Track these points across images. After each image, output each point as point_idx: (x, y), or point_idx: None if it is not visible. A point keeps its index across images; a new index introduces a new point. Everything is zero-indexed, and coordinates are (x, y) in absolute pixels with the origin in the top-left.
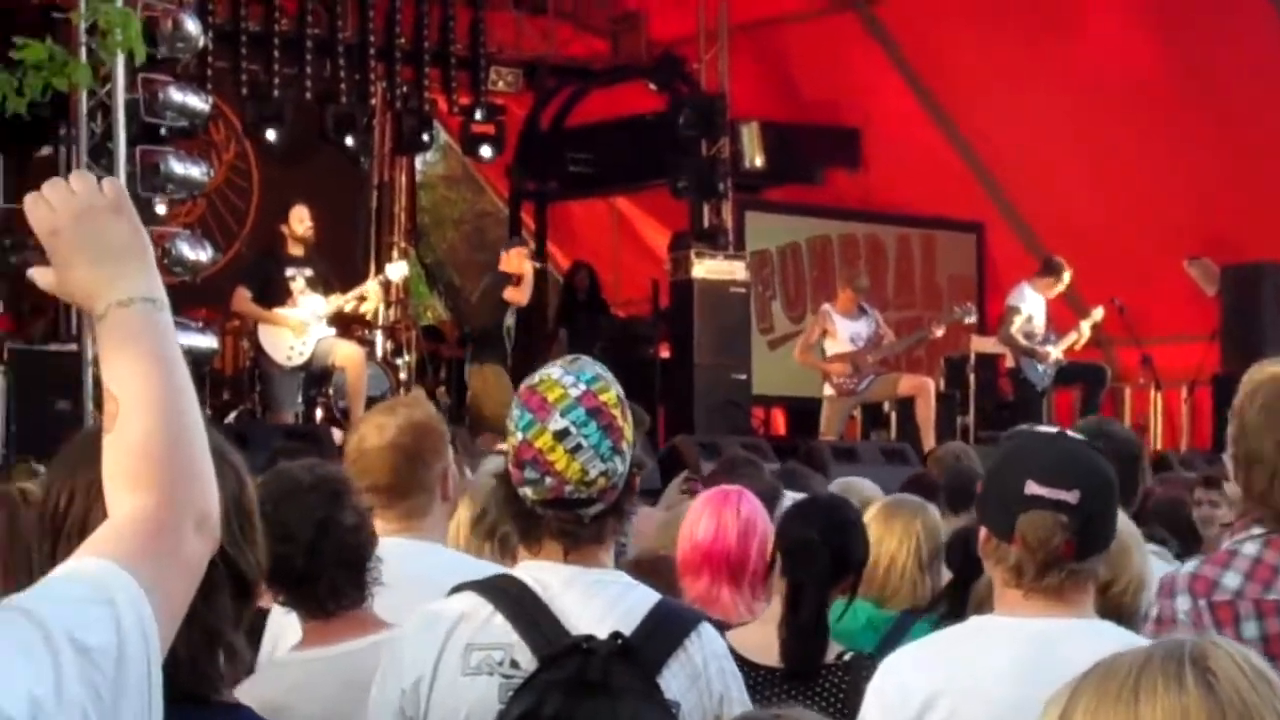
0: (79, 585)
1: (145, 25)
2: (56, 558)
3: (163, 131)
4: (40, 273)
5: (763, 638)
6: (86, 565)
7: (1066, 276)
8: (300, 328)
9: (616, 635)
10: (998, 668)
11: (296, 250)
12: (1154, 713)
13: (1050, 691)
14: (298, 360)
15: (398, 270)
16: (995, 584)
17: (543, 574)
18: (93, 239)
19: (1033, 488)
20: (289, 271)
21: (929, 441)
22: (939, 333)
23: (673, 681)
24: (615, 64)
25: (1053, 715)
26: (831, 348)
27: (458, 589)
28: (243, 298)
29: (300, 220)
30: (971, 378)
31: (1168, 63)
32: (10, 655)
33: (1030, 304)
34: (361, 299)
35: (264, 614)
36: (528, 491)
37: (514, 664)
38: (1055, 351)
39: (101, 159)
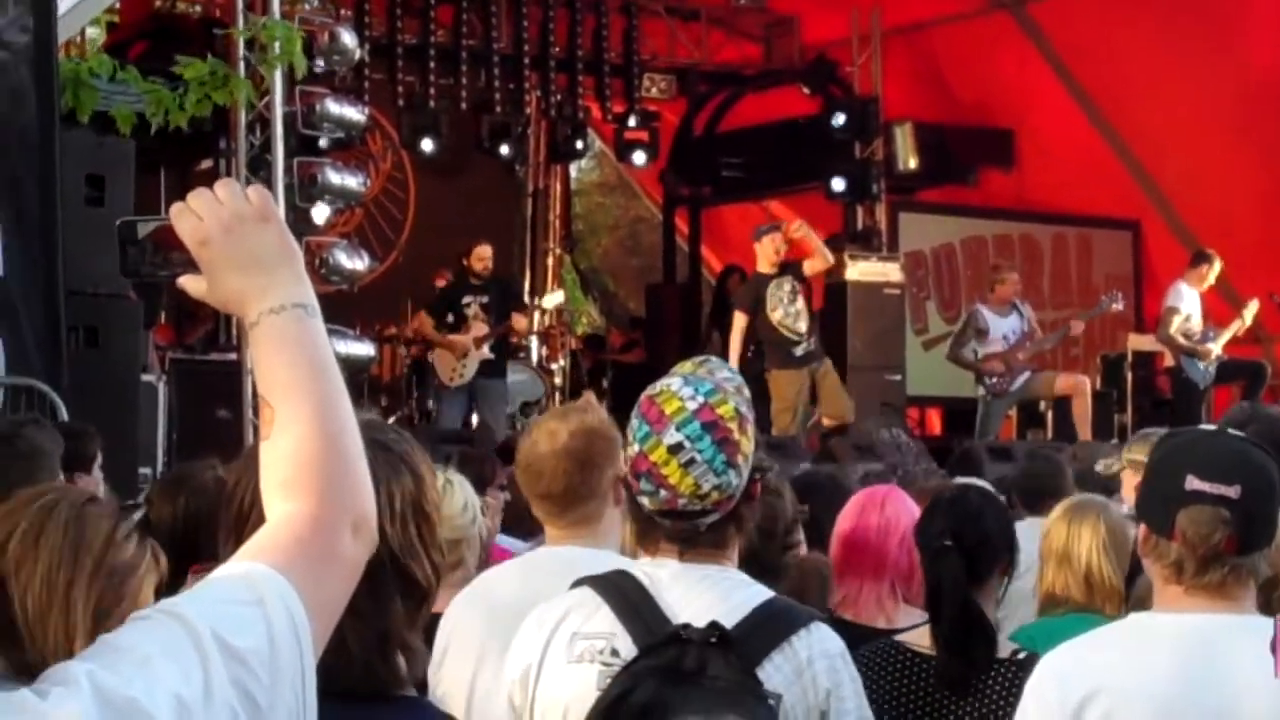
0: (228, 588)
1: (303, 39)
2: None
3: (320, 143)
4: (191, 281)
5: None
6: (237, 569)
7: (1217, 265)
8: (460, 351)
9: (714, 625)
10: (1157, 665)
11: (477, 281)
12: None
13: (1210, 690)
14: (459, 380)
15: (553, 300)
16: (1155, 581)
17: (653, 569)
18: (242, 248)
19: (1193, 483)
20: (465, 299)
21: (1085, 439)
22: (1078, 329)
23: (775, 675)
24: (768, 69)
25: None
26: (984, 348)
27: (577, 583)
28: (424, 322)
29: (480, 259)
30: (1129, 376)
31: None
32: (156, 657)
33: (1188, 302)
34: (513, 330)
35: (435, 617)
36: (644, 501)
37: (614, 652)
38: (1216, 348)
39: (260, 171)
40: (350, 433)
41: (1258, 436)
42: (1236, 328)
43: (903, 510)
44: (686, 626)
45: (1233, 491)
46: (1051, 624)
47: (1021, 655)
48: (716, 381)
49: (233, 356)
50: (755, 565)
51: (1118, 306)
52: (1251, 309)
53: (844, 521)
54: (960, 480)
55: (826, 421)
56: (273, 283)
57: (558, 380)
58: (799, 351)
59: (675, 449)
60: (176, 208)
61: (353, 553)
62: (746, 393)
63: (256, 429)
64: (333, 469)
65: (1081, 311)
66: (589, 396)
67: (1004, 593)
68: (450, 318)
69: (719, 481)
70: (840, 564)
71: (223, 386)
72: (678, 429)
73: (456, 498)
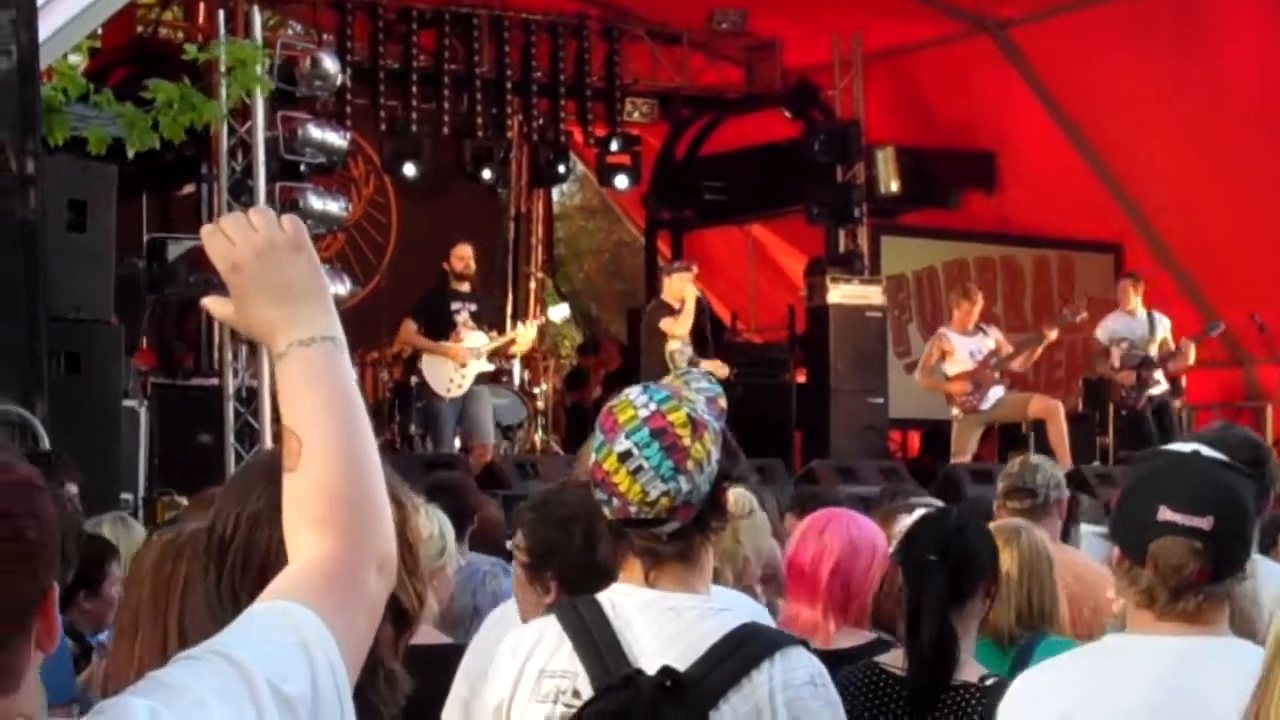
0: (274, 629)
1: (284, 64)
2: (221, 586)
3: (302, 168)
4: (217, 303)
5: None
6: (282, 609)
7: (1139, 285)
8: (461, 360)
9: (666, 670)
10: (1132, 687)
11: (461, 286)
12: None
13: (1181, 711)
14: (456, 392)
15: (559, 312)
16: (1129, 604)
17: (622, 598)
18: (273, 276)
19: (1165, 513)
20: (454, 306)
21: (1064, 462)
22: (1052, 335)
23: (730, 716)
24: (750, 92)
25: None
26: (951, 368)
27: (549, 609)
28: (409, 329)
29: (461, 258)
30: (1110, 398)
31: None
32: (210, 701)
33: (1111, 330)
34: (515, 341)
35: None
36: (605, 512)
37: (575, 694)
38: (1160, 377)
39: (242, 196)
40: (376, 470)
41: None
42: (1178, 359)
43: (839, 537)
44: (639, 672)
45: (1205, 523)
46: None
47: (989, 681)
48: (676, 389)
49: (214, 381)
50: None
51: (1081, 318)
52: (1201, 338)
53: (789, 548)
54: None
55: None
56: (301, 314)
57: (540, 404)
58: None
59: (624, 456)
60: (208, 229)
61: (377, 592)
62: (722, 403)
63: (238, 453)
64: (361, 507)
65: (1072, 338)
66: None
67: (987, 615)
68: (435, 327)
69: (666, 488)
70: (787, 588)
71: (204, 412)
72: (627, 436)
73: (423, 527)
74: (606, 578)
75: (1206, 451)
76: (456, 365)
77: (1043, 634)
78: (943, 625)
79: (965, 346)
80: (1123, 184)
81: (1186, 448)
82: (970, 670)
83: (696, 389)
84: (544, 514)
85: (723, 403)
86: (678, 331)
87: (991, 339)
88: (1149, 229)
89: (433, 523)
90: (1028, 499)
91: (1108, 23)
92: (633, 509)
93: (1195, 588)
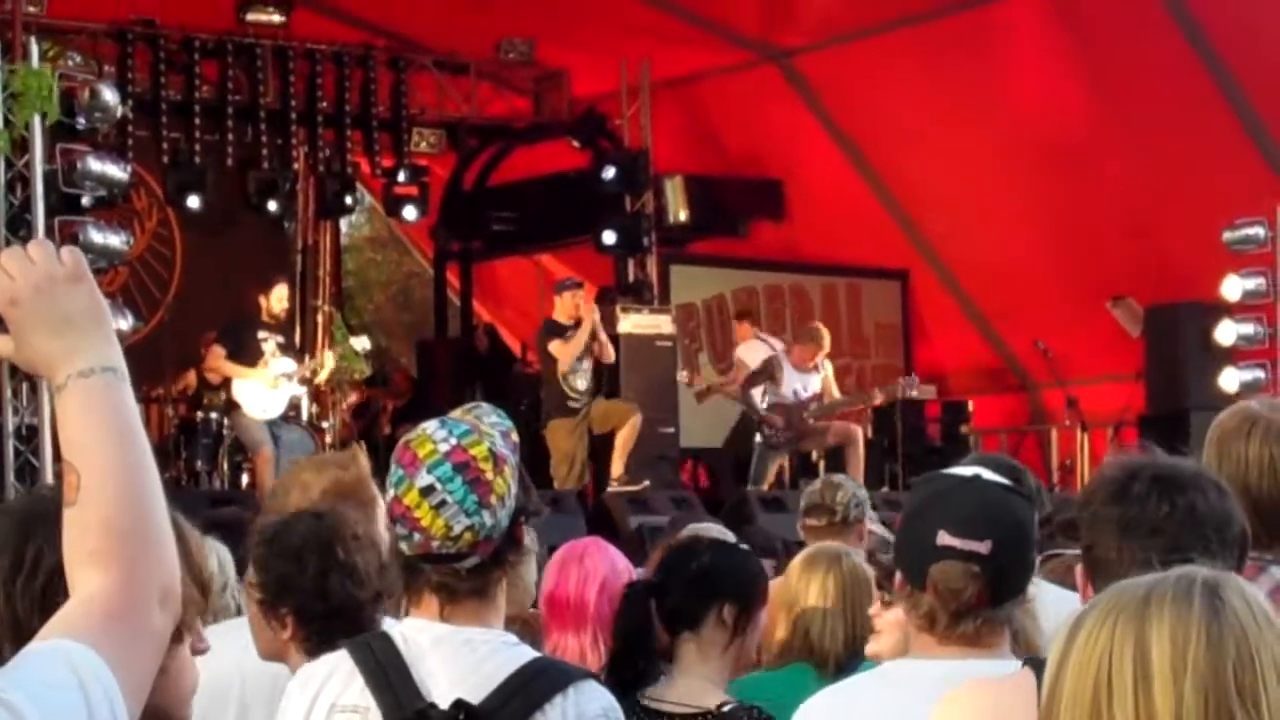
0: (49, 669)
1: (63, 95)
2: None
3: (83, 201)
4: None
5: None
6: (58, 647)
7: (820, 339)
8: (272, 383)
9: (459, 704)
10: (909, 711)
11: (271, 320)
12: (1160, 626)
13: None
14: (273, 412)
15: (361, 342)
16: (910, 628)
17: (415, 632)
18: (52, 309)
19: (944, 538)
20: (261, 334)
21: None
22: (877, 400)
23: None
24: (537, 122)
25: (1064, 629)
26: (773, 396)
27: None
28: (217, 354)
29: (280, 300)
30: (899, 424)
31: (1089, 107)
32: None
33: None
34: (318, 369)
35: None
36: (403, 546)
37: None
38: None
39: (20, 230)
40: (157, 501)
41: None
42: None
43: (601, 561)
44: (432, 706)
45: (983, 547)
46: (765, 677)
47: (727, 708)
48: (474, 423)
49: None
50: None
51: (914, 393)
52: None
53: (546, 580)
54: None
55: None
56: (81, 345)
57: (329, 439)
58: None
59: (427, 491)
60: None
61: (161, 625)
62: (515, 437)
63: (18, 492)
64: (142, 538)
65: (862, 364)
66: (354, 450)
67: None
68: (242, 353)
69: (470, 522)
70: (546, 621)
71: None
72: (429, 471)
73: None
74: (341, 614)
75: (987, 475)
76: (269, 387)
77: (862, 659)
78: (641, 648)
79: (792, 382)
80: (909, 211)
81: (968, 471)
82: (710, 696)
83: (490, 424)
84: (276, 548)
85: (515, 437)
86: (568, 353)
87: (818, 381)
88: (934, 256)
89: (213, 558)
90: (825, 516)
91: (891, 51)
92: (435, 544)
93: (974, 612)
